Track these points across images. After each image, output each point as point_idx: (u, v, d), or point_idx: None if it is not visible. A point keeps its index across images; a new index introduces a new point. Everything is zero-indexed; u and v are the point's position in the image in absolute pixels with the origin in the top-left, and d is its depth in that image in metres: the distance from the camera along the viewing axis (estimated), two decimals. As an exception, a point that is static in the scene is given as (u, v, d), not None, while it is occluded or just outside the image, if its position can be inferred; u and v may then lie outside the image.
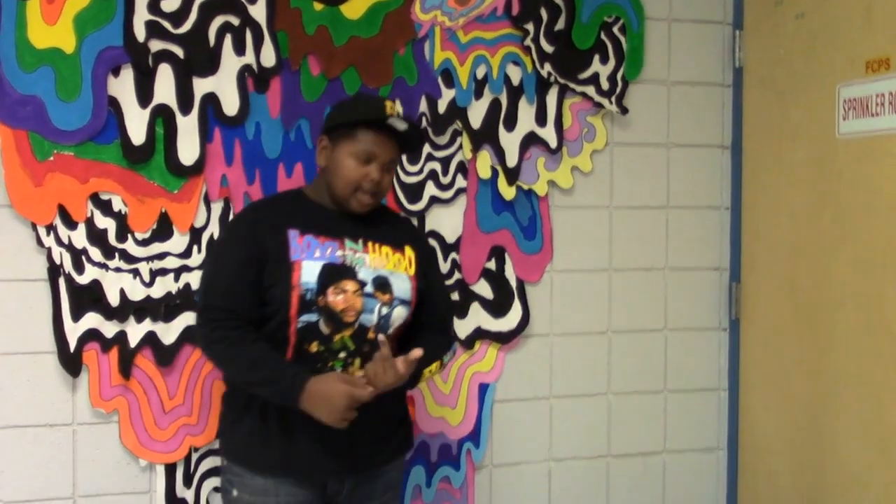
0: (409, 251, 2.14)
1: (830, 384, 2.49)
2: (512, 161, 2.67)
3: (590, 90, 2.72)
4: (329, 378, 1.96)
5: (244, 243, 2.04)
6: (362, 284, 2.03)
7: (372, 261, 2.06)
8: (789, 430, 2.65)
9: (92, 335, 2.36)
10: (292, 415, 1.98)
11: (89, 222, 2.36)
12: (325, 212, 2.10)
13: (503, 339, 2.70)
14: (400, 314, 2.08)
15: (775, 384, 2.71)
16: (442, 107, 2.60)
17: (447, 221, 2.64)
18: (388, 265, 2.09)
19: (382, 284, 2.06)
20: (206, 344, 2.07)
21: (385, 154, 2.06)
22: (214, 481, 2.45)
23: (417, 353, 1.99)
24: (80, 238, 2.35)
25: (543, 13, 2.67)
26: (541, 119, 2.69)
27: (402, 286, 2.09)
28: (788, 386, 2.65)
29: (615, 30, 2.74)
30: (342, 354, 2.02)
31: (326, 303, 2.00)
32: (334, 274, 2.01)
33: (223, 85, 2.42)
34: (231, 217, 2.41)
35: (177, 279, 2.41)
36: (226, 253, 2.09)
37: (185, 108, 2.40)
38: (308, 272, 2.00)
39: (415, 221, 2.59)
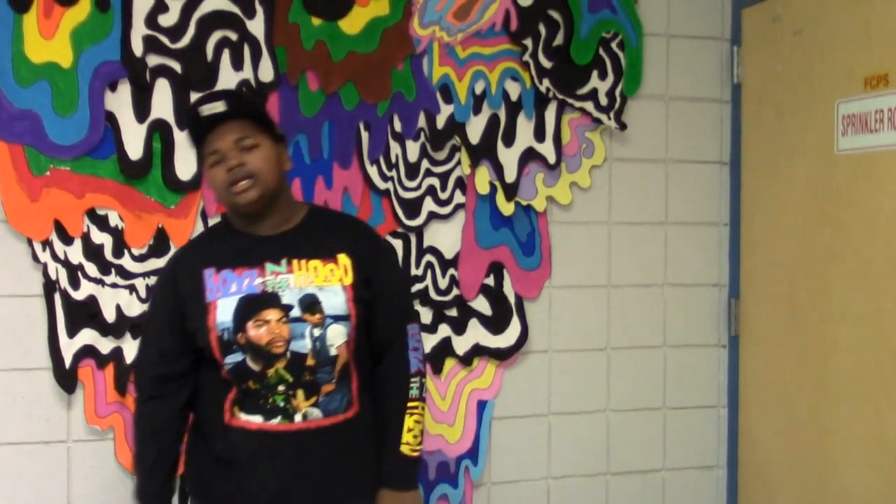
0: (343, 259, 1.94)
1: (830, 401, 2.47)
2: (510, 176, 2.66)
3: (588, 106, 2.72)
4: None
5: (163, 298, 1.99)
6: (287, 309, 1.87)
7: (297, 280, 1.90)
8: (789, 447, 2.63)
9: (87, 351, 2.35)
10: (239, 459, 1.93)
11: (85, 238, 2.34)
12: (247, 238, 1.96)
13: (502, 355, 2.69)
14: (337, 332, 1.90)
15: (775, 401, 2.69)
16: (440, 122, 2.60)
17: (445, 237, 2.62)
18: (317, 280, 1.91)
19: (310, 304, 1.89)
20: (134, 412, 2.05)
21: (225, 141, 1.88)
22: (210, 499, 2.42)
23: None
24: (76, 253, 2.34)
25: (542, 29, 2.67)
26: (539, 135, 2.69)
27: (334, 301, 1.90)
28: (788, 403, 2.63)
29: (613, 45, 2.74)
30: (281, 388, 1.88)
31: (248, 339, 1.87)
32: (252, 306, 1.87)
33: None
34: None
35: (173, 295, 2.39)
36: (150, 311, 2.07)
37: (183, 123, 2.39)
38: (223, 311, 1.88)
39: (413, 237, 2.58)
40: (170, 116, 2.38)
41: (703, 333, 2.88)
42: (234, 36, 2.42)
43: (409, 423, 1.99)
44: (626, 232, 2.80)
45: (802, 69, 2.58)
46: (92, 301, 2.34)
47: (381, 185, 2.55)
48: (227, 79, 2.41)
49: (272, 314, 1.87)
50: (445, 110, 2.60)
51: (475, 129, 2.63)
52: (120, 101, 2.36)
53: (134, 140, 2.36)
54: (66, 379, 2.33)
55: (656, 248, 2.83)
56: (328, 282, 1.91)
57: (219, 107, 1.89)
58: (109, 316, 2.36)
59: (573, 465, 2.77)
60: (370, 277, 1.97)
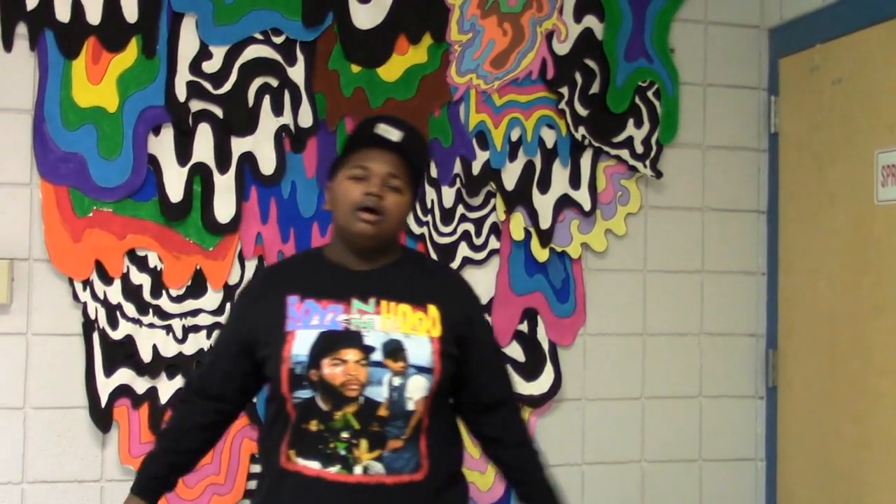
0: (433, 310, 1.82)
1: (871, 456, 2.41)
2: (545, 223, 2.66)
3: (624, 154, 2.73)
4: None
5: (236, 322, 1.91)
6: (368, 351, 1.74)
7: (384, 323, 1.77)
8: (828, 502, 2.57)
9: (123, 391, 2.37)
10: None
11: (125, 278, 2.38)
12: (337, 270, 1.85)
13: (535, 402, 2.66)
14: (418, 385, 1.76)
15: (814, 455, 2.63)
16: (476, 168, 2.61)
17: (480, 283, 2.61)
18: (405, 327, 1.78)
19: (394, 350, 1.75)
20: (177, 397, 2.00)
21: (381, 167, 1.79)
22: (240, 542, 2.42)
23: None
24: (115, 293, 2.37)
25: (578, 77, 2.69)
26: (575, 182, 2.69)
27: (420, 351, 1.77)
28: (827, 457, 2.58)
29: (650, 94, 2.75)
30: (345, 434, 1.74)
31: (321, 376, 1.73)
32: (331, 342, 1.75)
33: (260, 144, 2.46)
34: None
35: (209, 336, 2.41)
36: (222, 329, 2.03)
37: (223, 166, 2.43)
38: (300, 343, 1.75)
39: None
40: (210, 160, 2.43)
41: (740, 384, 2.84)
42: (274, 82, 2.47)
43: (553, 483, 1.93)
44: (661, 280, 2.78)
45: (841, 119, 2.56)
46: (129, 341, 2.37)
47: (417, 229, 2.57)
48: (267, 125, 2.46)
49: (351, 354, 1.75)
50: (481, 157, 2.62)
51: (511, 175, 2.65)
52: (162, 145, 2.41)
53: (175, 183, 2.41)
54: (102, 418, 2.35)
55: (692, 296, 2.81)
56: (416, 330, 1.79)
57: (396, 135, 1.82)
58: (146, 356, 2.38)
59: (607, 516, 2.73)
60: (463, 336, 1.84)
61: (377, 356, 1.74)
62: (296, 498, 1.76)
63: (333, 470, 1.75)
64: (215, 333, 2.06)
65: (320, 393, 1.74)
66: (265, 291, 1.87)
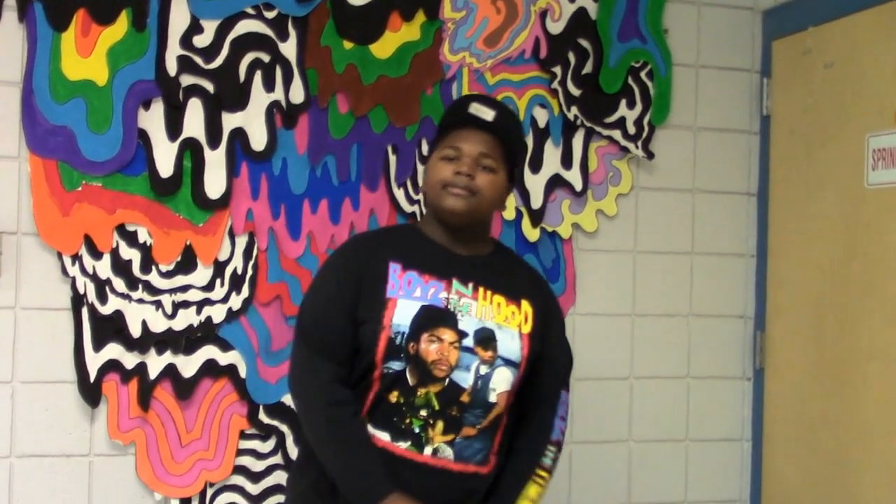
0: (526, 305, 1.85)
1: (857, 439, 2.44)
2: (536, 203, 2.66)
3: (616, 134, 2.73)
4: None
5: (343, 272, 1.82)
6: (462, 335, 1.75)
7: (479, 310, 1.78)
8: (814, 484, 2.59)
9: (112, 366, 2.36)
10: None
11: (114, 253, 2.37)
12: (436, 248, 1.84)
13: (524, 381, 2.67)
14: (504, 377, 1.77)
15: (800, 437, 2.66)
16: (468, 147, 2.61)
17: (470, 262, 2.62)
18: (498, 318, 1.79)
19: (486, 339, 1.76)
20: (314, 421, 1.78)
21: (473, 147, 1.80)
22: (229, 518, 2.43)
23: None
24: (104, 268, 2.36)
25: (571, 57, 2.68)
26: (566, 162, 2.69)
27: (510, 345, 1.79)
28: (813, 439, 2.60)
29: (643, 75, 2.74)
30: (423, 413, 1.73)
31: (417, 350, 1.73)
32: (433, 318, 1.74)
33: (251, 120, 2.44)
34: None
35: (199, 312, 2.41)
36: (324, 285, 1.86)
37: (214, 142, 2.42)
38: (402, 312, 1.74)
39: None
40: (201, 135, 2.41)
41: (728, 365, 2.85)
42: (266, 57, 2.45)
43: (531, 491, 1.83)
44: (651, 261, 2.79)
45: (833, 102, 2.57)
46: (118, 316, 2.36)
47: (408, 207, 2.56)
48: (259, 100, 2.44)
49: (447, 334, 1.75)
50: (473, 135, 2.61)
51: (502, 154, 2.64)
52: (152, 120, 2.39)
53: (165, 158, 2.39)
54: (91, 393, 2.35)
55: (682, 278, 2.82)
56: (508, 323, 1.81)
57: (489, 114, 1.81)
58: (135, 331, 2.37)
59: (594, 495, 2.74)
60: (545, 334, 1.87)
61: (469, 342, 1.75)
62: None
63: (403, 445, 1.74)
64: (308, 297, 1.86)
65: (411, 366, 1.73)
66: (364, 252, 1.83)
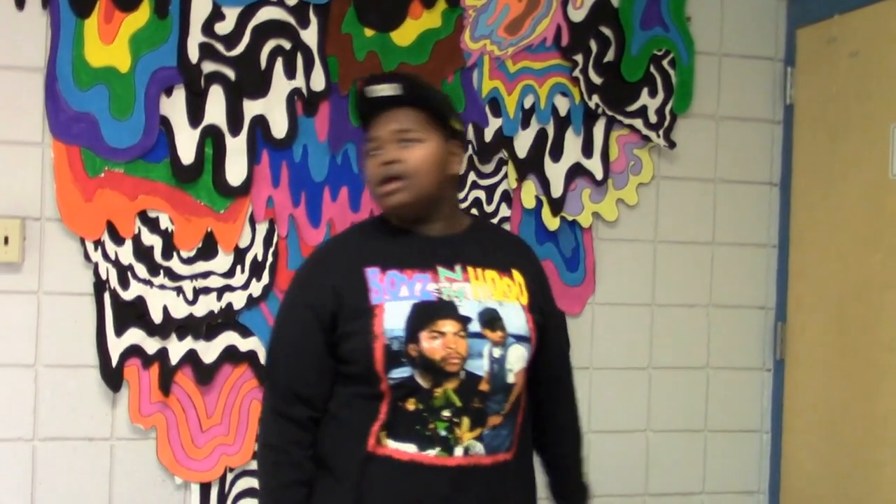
0: (517, 276, 1.74)
1: (878, 431, 2.42)
2: (557, 191, 2.66)
3: (637, 123, 2.71)
4: None
5: (301, 308, 1.70)
6: (465, 322, 1.63)
7: (475, 291, 1.67)
8: (833, 476, 2.58)
9: (134, 351, 2.38)
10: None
11: (136, 239, 2.38)
12: (411, 237, 1.72)
13: (542, 370, 2.67)
14: (519, 355, 1.67)
15: (820, 428, 2.64)
16: (488, 135, 2.60)
17: (490, 250, 2.62)
18: (496, 294, 1.68)
19: (491, 319, 1.65)
20: (265, 441, 1.72)
21: (385, 128, 1.68)
22: (249, 502, 2.44)
23: None
24: (126, 254, 2.38)
25: (593, 45, 2.66)
26: (587, 150, 2.68)
27: (516, 320, 1.68)
28: (833, 431, 2.58)
29: (665, 63, 2.72)
30: (446, 413, 1.62)
31: (420, 351, 1.61)
32: (428, 314, 1.62)
33: (272, 107, 2.45)
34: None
35: (219, 298, 2.42)
36: (290, 330, 1.74)
37: (235, 129, 2.42)
38: (393, 317, 1.62)
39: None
40: (222, 122, 2.42)
41: (748, 356, 2.84)
42: (287, 45, 2.46)
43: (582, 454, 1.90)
44: (671, 251, 2.78)
45: (857, 91, 2.54)
46: (140, 301, 2.38)
47: (428, 196, 2.55)
48: (280, 88, 2.45)
49: (449, 326, 1.62)
50: (494, 123, 2.61)
51: (523, 143, 2.63)
52: (174, 107, 2.40)
53: (186, 145, 2.40)
54: (112, 377, 2.37)
55: (702, 268, 2.80)
56: (507, 297, 1.69)
57: (385, 90, 1.67)
58: (156, 317, 2.39)
59: (612, 484, 2.74)
60: (541, 304, 1.78)
61: (475, 327, 1.64)
62: (388, 485, 1.64)
63: (432, 453, 1.63)
64: (273, 338, 1.77)
65: (419, 370, 1.62)
66: (330, 270, 1.70)
